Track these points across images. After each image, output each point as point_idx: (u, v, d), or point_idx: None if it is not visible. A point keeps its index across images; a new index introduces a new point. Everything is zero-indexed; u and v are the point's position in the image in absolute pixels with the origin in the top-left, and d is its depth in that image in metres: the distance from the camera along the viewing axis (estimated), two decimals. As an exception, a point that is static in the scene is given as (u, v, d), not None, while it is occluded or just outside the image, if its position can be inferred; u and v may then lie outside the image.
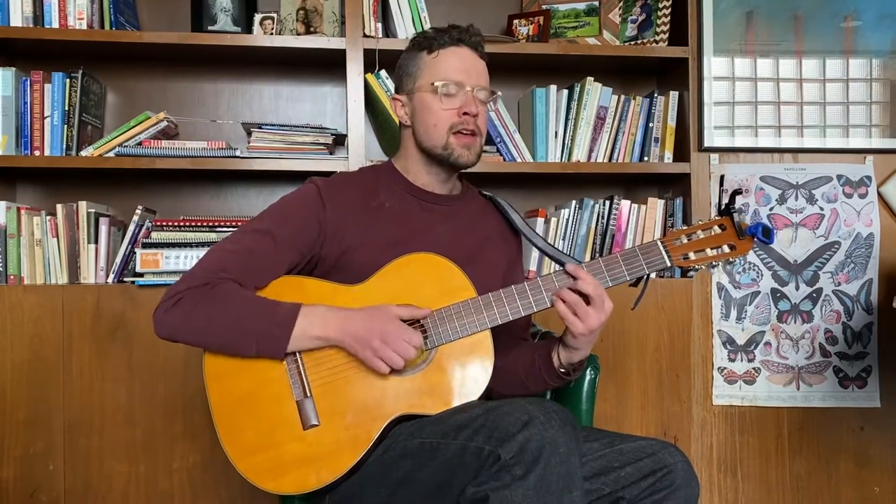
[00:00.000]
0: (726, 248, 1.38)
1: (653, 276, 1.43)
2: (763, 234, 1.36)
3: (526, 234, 1.57)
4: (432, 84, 1.44)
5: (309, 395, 1.33)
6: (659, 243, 1.39)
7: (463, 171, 1.52)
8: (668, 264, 1.38)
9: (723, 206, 1.41)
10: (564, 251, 1.59)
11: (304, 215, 1.43)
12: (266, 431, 1.33)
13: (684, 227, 1.41)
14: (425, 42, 1.48)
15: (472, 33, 1.48)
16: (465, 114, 1.44)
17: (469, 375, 1.36)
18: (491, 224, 1.59)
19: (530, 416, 1.14)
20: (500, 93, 1.54)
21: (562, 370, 1.44)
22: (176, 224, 2.14)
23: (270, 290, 1.38)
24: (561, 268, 1.39)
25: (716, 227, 1.39)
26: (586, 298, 1.34)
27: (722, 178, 1.55)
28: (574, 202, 2.36)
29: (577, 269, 1.35)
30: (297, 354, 1.34)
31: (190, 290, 1.33)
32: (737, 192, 1.41)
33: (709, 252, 1.38)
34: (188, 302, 1.32)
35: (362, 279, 1.39)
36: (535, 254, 2.31)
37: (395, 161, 1.56)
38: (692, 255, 1.38)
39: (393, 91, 2.16)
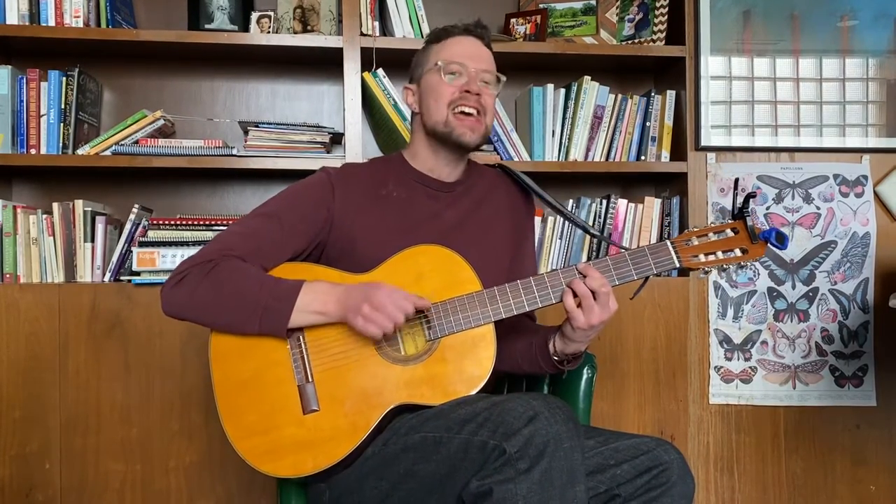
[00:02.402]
0: (738, 252, 1.37)
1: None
2: (776, 240, 1.35)
3: (544, 197, 1.60)
4: (436, 64, 1.48)
5: (310, 380, 1.34)
6: (669, 244, 1.38)
7: (466, 150, 1.52)
8: (678, 265, 1.38)
9: (736, 210, 1.40)
10: (577, 229, 1.62)
11: (313, 201, 1.45)
12: (266, 414, 1.34)
13: (696, 229, 1.40)
14: (436, 35, 1.54)
15: (479, 25, 1.54)
16: (465, 91, 1.46)
17: (470, 368, 1.36)
18: (499, 199, 1.61)
19: (535, 411, 1.15)
20: (504, 77, 1.55)
21: (555, 358, 1.45)
22: (172, 223, 2.14)
23: (280, 273, 1.39)
24: (572, 264, 1.41)
25: (728, 231, 1.38)
26: (593, 294, 1.34)
27: (736, 181, 1.54)
28: (571, 201, 2.36)
29: (588, 267, 1.36)
30: (301, 339, 1.35)
31: (195, 266, 1.35)
32: (751, 195, 1.39)
33: (720, 255, 1.37)
34: (193, 278, 1.34)
35: (368, 267, 1.40)
36: (532, 253, 2.31)
37: (404, 152, 1.58)
38: (702, 258, 1.38)
39: (389, 90, 2.19)
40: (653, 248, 1.38)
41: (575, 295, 1.35)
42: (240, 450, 1.33)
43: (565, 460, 1.14)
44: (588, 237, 2.35)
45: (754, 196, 1.41)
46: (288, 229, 1.41)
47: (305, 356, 1.35)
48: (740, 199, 1.40)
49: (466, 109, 1.46)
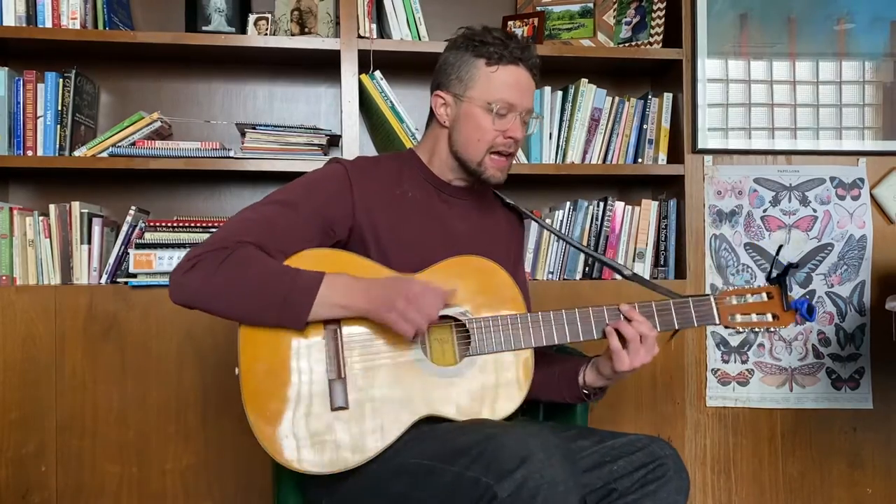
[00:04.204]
0: (769, 317, 1.43)
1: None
2: (807, 312, 1.41)
3: (565, 238, 1.62)
4: (488, 103, 1.42)
5: (343, 376, 1.29)
6: (712, 300, 1.43)
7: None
8: (717, 322, 1.42)
9: (773, 275, 1.45)
10: (605, 257, 1.65)
11: (331, 192, 1.40)
12: (292, 405, 1.29)
13: (736, 288, 1.46)
14: (483, 50, 1.43)
15: (532, 53, 1.45)
16: (509, 137, 1.44)
17: (504, 392, 1.34)
18: (498, 217, 1.61)
19: (529, 451, 1.12)
20: (541, 116, 1.54)
21: (585, 391, 1.45)
22: (169, 225, 2.14)
23: (311, 259, 1.33)
24: (614, 305, 1.41)
25: (763, 295, 1.44)
26: (640, 338, 1.37)
27: (780, 248, 1.62)
28: (568, 203, 2.36)
29: (632, 311, 1.39)
30: (338, 333, 1.31)
31: (209, 253, 1.28)
32: (792, 265, 1.45)
33: (754, 318, 1.43)
34: (207, 265, 1.27)
35: (391, 268, 1.37)
36: (530, 255, 2.31)
37: (418, 151, 1.54)
38: (738, 318, 1.43)
39: (387, 92, 2.19)
40: (697, 301, 1.43)
41: (620, 336, 1.37)
42: (260, 438, 1.27)
43: None
44: (585, 239, 2.35)
45: (796, 267, 1.49)
46: (304, 219, 1.35)
47: (340, 351, 1.30)
48: (780, 267, 1.45)
49: (504, 151, 1.45)
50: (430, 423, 1.31)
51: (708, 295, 1.43)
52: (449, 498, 1.18)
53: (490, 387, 1.34)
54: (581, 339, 1.39)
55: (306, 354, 1.30)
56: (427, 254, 1.39)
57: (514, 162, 2.23)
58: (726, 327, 1.45)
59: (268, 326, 1.29)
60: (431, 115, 1.51)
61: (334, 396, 1.29)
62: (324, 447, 1.28)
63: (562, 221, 2.35)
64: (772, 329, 1.47)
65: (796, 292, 2.40)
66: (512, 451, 1.13)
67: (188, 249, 2.04)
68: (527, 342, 1.35)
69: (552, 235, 2.34)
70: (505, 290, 1.39)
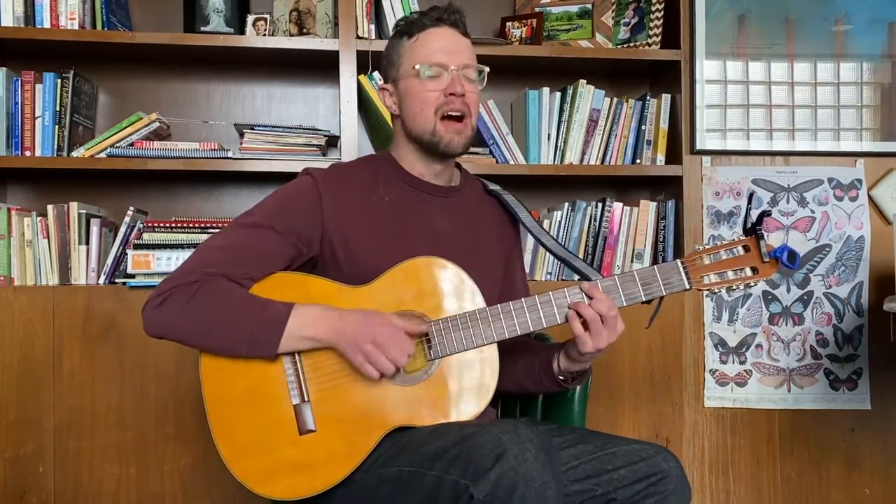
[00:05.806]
0: (748, 271, 1.33)
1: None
2: (788, 259, 1.30)
3: (537, 236, 1.53)
4: (414, 68, 1.41)
5: (307, 399, 1.30)
6: (679, 264, 1.34)
7: (453, 158, 1.48)
8: (687, 287, 1.33)
9: (748, 226, 1.35)
10: (579, 256, 1.56)
11: (299, 210, 1.38)
12: (261, 434, 1.30)
13: (707, 247, 1.35)
14: (406, 27, 1.45)
15: (451, 11, 1.43)
16: (450, 94, 1.39)
17: (472, 391, 1.32)
18: (490, 216, 1.56)
19: (503, 447, 1.11)
20: (487, 69, 1.48)
21: (560, 377, 1.43)
22: (168, 225, 2.13)
23: (272, 285, 1.33)
24: (576, 281, 1.35)
25: (739, 248, 1.34)
26: (601, 318, 1.31)
27: (751, 196, 1.49)
28: (566, 204, 2.37)
29: (593, 288, 1.33)
30: (297, 357, 1.31)
31: (177, 288, 1.29)
32: (765, 213, 1.35)
33: (730, 275, 1.33)
34: (176, 301, 1.28)
35: (367, 278, 1.35)
36: (528, 256, 2.31)
37: (393, 151, 1.52)
38: (713, 278, 1.34)
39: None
40: (662, 269, 1.34)
41: (580, 317, 1.32)
42: (234, 470, 1.29)
43: (537, 500, 1.10)
44: (584, 240, 2.35)
45: (769, 214, 1.37)
46: (274, 240, 1.34)
47: (301, 375, 1.30)
48: (754, 215, 1.34)
49: (453, 113, 1.40)
50: (406, 430, 1.30)
51: (675, 260, 1.34)
52: (432, 502, 1.17)
53: (455, 389, 1.32)
54: (544, 325, 1.34)
55: (269, 382, 1.30)
56: (407, 256, 1.37)
57: (511, 162, 2.28)
58: (700, 291, 1.34)
59: (240, 358, 1.30)
60: (392, 113, 1.50)
61: (301, 421, 1.29)
62: (298, 473, 1.28)
63: (560, 222, 2.35)
64: (752, 284, 1.33)
65: (794, 293, 2.41)
66: (486, 450, 1.12)
67: (186, 249, 2.08)
68: (488, 338, 1.32)
69: (551, 232, 2.33)
70: (463, 288, 1.35)
